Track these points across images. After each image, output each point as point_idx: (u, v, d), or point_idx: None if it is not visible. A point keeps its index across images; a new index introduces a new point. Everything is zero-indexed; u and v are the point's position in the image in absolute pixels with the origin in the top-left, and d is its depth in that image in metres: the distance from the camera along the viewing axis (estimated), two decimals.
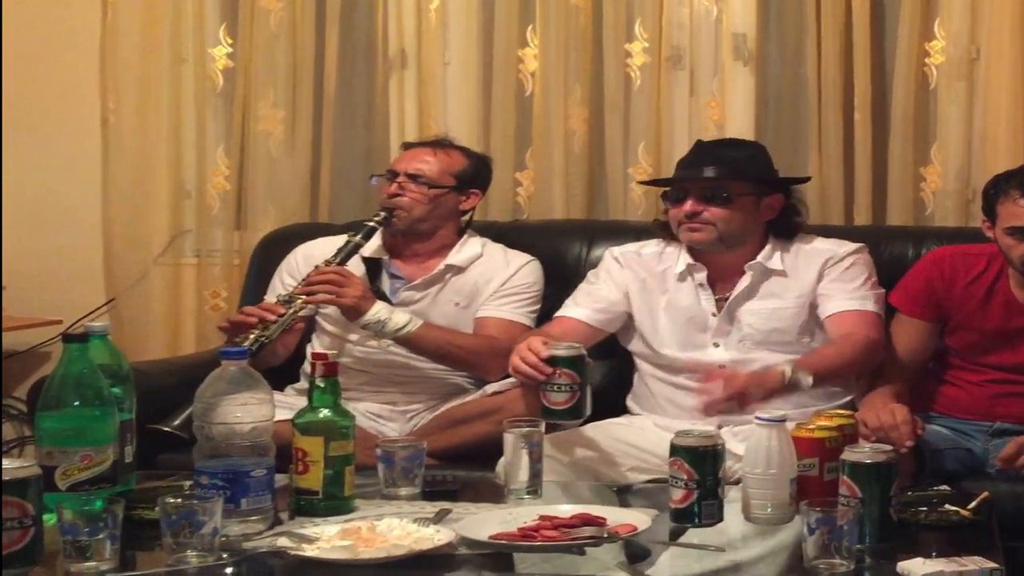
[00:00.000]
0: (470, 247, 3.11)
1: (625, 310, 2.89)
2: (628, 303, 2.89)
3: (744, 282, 2.82)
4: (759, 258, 2.82)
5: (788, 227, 2.88)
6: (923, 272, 2.83)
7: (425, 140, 3.23)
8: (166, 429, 2.72)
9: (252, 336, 2.78)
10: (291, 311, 2.85)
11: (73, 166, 3.89)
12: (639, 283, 2.89)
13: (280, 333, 2.85)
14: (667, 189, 2.90)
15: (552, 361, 2.43)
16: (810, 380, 2.47)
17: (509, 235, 3.27)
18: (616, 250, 2.96)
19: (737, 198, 2.79)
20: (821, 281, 2.81)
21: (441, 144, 3.14)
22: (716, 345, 2.82)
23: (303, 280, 2.92)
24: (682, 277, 2.86)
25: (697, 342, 2.83)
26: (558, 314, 2.91)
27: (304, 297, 2.87)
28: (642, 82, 3.55)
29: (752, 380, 2.50)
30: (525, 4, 3.61)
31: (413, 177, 3.04)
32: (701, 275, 2.84)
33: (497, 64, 3.61)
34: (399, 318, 2.89)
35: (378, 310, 2.87)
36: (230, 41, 3.79)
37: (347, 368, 2.95)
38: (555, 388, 2.42)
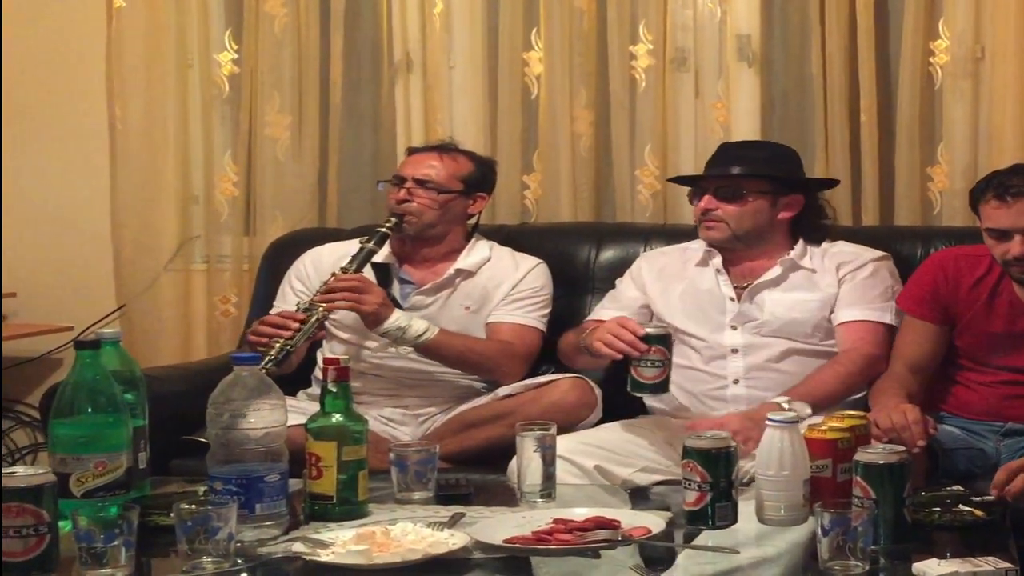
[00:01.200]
0: (478, 251, 3.12)
1: (644, 303, 2.96)
2: (646, 295, 2.96)
3: (772, 272, 2.88)
4: (791, 255, 2.89)
5: (816, 229, 2.94)
6: (928, 275, 2.83)
7: (430, 145, 3.24)
8: (203, 440, 2.71)
9: (277, 345, 2.79)
10: (313, 319, 2.85)
11: (81, 173, 3.90)
12: (655, 272, 2.98)
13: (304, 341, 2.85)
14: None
15: (646, 339, 2.54)
16: (808, 410, 2.47)
17: (518, 238, 3.28)
18: (648, 252, 3.12)
19: (751, 196, 2.86)
20: (842, 285, 2.86)
21: (446, 148, 3.15)
22: (733, 328, 2.87)
23: (321, 288, 2.91)
24: (702, 263, 2.94)
25: (714, 322, 2.88)
26: (588, 318, 3.00)
27: (325, 305, 2.87)
28: (647, 84, 3.55)
29: (745, 425, 2.53)
30: (529, 7, 3.61)
31: (421, 182, 3.05)
32: (717, 260, 2.91)
33: (502, 67, 3.61)
34: (418, 325, 2.90)
35: (397, 317, 2.89)
36: (235, 47, 3.79)
37: (359, 373, 2.96)
38: (648, 364, 2.53)
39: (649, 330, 2.55)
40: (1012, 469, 2.28)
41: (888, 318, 2.84)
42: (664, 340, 2.55)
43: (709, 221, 2.88)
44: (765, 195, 2.88)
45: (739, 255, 2.91)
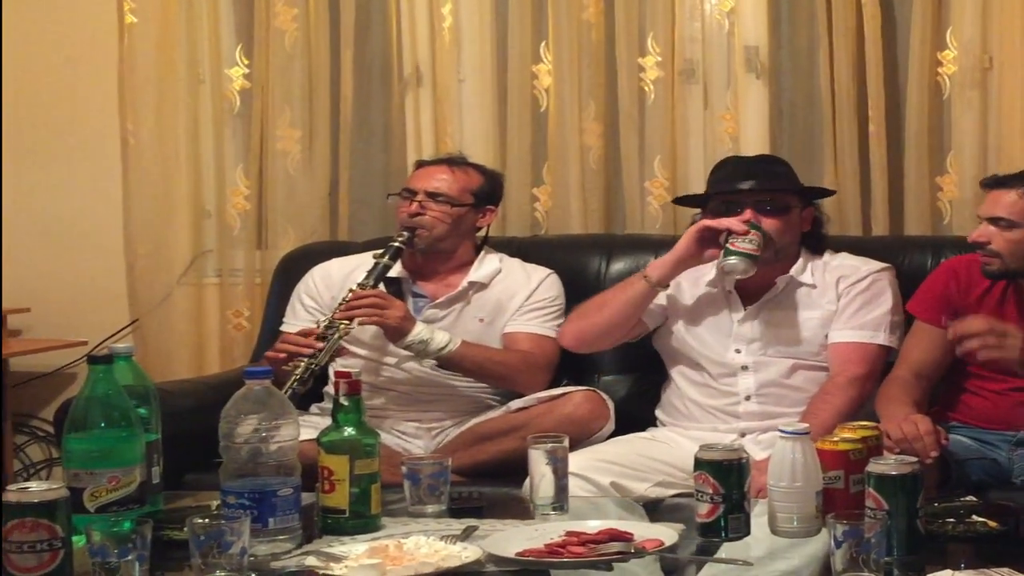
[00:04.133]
0: (489, 263, 3.13)
1: (663, 305, 2.96)
2: (665, 298, 2.96)
3: (774, 292, 2.87)
4: (792, 272, 2.87)
5: (818, 240, 2.94)
6: (939, 280, 2.83)
7: (439, 158, 3.25)
8: None
9: (303, 365, 2.79)
10: (336, 337, 2.85)
11: (94, 188, 3.92)
12: (675, 285, 2.96)
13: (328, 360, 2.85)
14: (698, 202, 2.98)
15: (750, 224, 2.78)
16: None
17: (528, 250, 3.29)
18: None
19: (790, 209, 2.86)
20: (840, 299, 2.85)
21: (456, 162, 3.16)
22: (737, 351, 2.87)
23: (340, 304, 2.91)
24: (713, 284, 2.92)
25: (721, 343, 2.88)
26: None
27: (346, 322, 2.87)
28: (656, 96, 3.56)
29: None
30: (538, 20, 3.62)
31: (433, 195, 3.05)
32: (730, 280, 2.89)
33: (512, 80, 3.63)
34: (440, 337, 2.91)
35: (420, 330, 2.90)
36: (246, 62, 3.81)
37: (374, 388, 2.97)
38: (746, 240, 2.76)
39: (751, 221, 2.76)
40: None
41: (881, 338, 2.83)
42: (764, 234, 2.76)
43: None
44: (796, 208, 2.88)
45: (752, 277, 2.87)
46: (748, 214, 2.80)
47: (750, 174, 2.87)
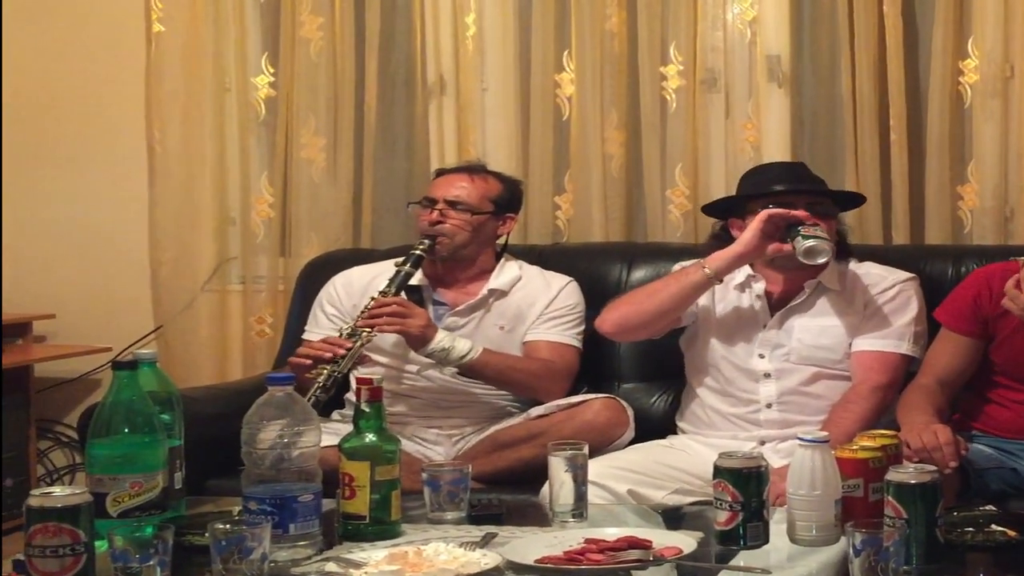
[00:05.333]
0: (508, 270, 3.14)
1: (693, 309, 2.93)
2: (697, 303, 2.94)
3: (800, 297, 2.87)
4: (820, 277, 2.86)
5: (844, 248, 2.92)
6: (971, 288, 2.81)
7: (459, 166, 3.26)
8: None
9: (325, 372, 2.81)
10: (358, 344, 2.87)
11: (120, 195, 3.96)
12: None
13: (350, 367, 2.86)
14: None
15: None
16: None
17: (550, 258, 3.30)
18: None
19: (833, 216, 2.87)
20: (865, 308, 2.84)
21: (475, 170, 3.17)
22: (761, 356, 2.86)
23: (363, 312, 2.93)
24: (741, 288, 2.91)
25: (745, 349, 2.88)
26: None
27: (368, 331, 2.89)
28: (678, 105, 3.56)
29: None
30: (561, 30, 3.64)
31: (453, 204, 3.07)
32: (760, 286, 2.88)
33: (534, 89, 3.64)
34: (462, 345, 2.92)
35: (442, 338, 2.91)
36: (272, 70, 3.84)
37: (396, 395, 2.98)
38: (819, 230, 2.74)
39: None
40: None
41: (904, 347, 2.82)
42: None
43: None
44: (835, 216, 2.89)
45: (783, 278, 2.88)
46: (804, 213, 2.78)
47: (801, 178, 2.89)
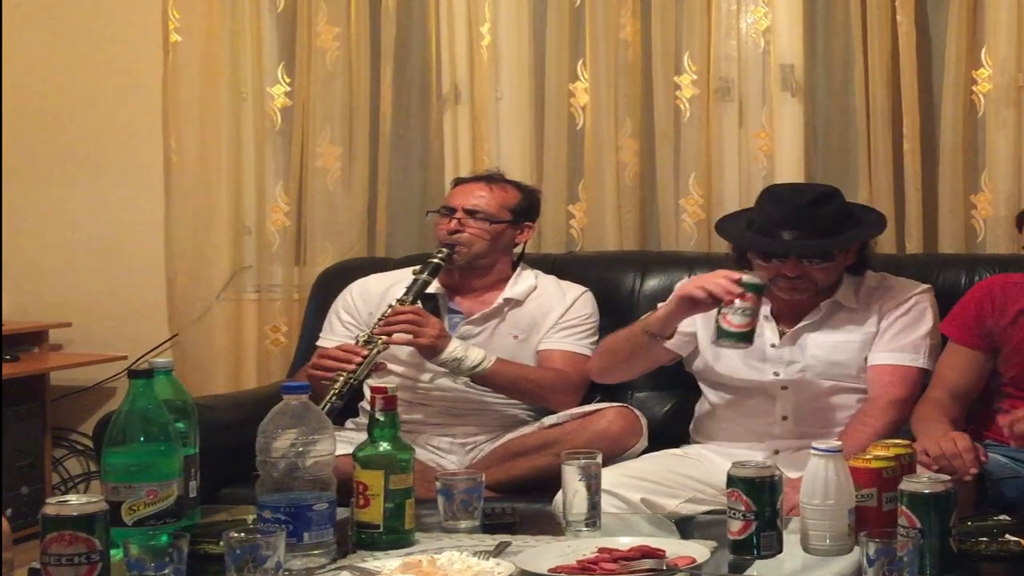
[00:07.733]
0: (524, 279, 3.14)
1: (692, 331, 2.90)
2: (694, 323, 2.90)
3: (816, 315, 2.85)
4: (836, 296, 2.84)
5: (861, 261, 2.90)
6: (974, 300, 2.81)
7: (477, 175, 3.27)
8: None
9: (341, 379, 2.82)
10: (374, 352, 2.88)
11: (136, 204, 3.98)
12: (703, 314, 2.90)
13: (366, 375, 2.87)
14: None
15: (741, 284, 2.59)
16: None
17: (563, 267, 3.30)
18: None
19: (835, 256, 2.81)
20: (880, 323, 2.83)
21: (494, 179, 3.17)
22: (776, 374, 2.85)
23: (379, 320, 2.94)
24: None
25: (755, 368, 2.86)
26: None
27: (384, 338, 2.89)
28: (691, 114, 3.57)
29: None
30: (575, 39, 3.64)
31: (471, 212, 3.07)
32: (766, 308, 2.84)
33: (549, 98, 3.65)
34: (475, 355, 2.93)
35: (455, 348, 2.92)
36: (288, 80, 3.85)
37: (410, 403, 2.99)
38: (738, 312, 2.59)
39: (745, 279, 2.59)
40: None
41: (921, 361, 2.81)
42: (758, 290, 2.59)
43: (798, 284, 2.77)
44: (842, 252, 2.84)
45: (792, 301, 2.85)
46: (792, 267, 2.75)
47: (798, 221, 2.75)
